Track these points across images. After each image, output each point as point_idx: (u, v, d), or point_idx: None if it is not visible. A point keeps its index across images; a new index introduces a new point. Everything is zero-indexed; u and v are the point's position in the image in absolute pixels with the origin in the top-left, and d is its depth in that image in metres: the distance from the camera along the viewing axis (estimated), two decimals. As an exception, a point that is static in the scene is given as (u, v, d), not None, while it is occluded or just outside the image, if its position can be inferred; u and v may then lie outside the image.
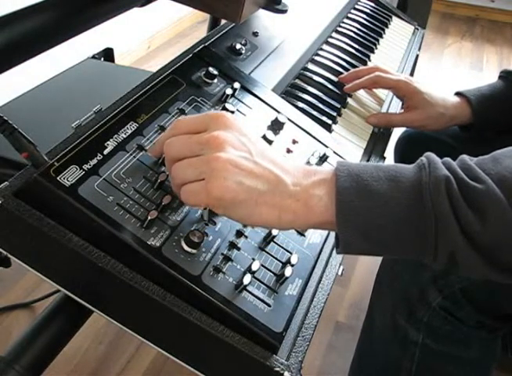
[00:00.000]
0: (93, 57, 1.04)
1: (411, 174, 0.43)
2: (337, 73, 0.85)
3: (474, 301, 0.64)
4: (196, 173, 0.44)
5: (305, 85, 0.79)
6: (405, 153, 1.01)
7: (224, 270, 0.47)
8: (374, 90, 0.88)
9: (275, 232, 0.51)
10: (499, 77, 0.85)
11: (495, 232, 0.40)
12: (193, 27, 2.69)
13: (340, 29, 0.99)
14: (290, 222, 0.44)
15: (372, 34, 1.04)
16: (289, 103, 0.71)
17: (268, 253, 0.51)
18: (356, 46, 0.96)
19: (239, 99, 0.64)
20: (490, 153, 0.44)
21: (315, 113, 0.74)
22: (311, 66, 0.84)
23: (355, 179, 0.43)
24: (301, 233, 0.55)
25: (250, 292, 0.47)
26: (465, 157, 0.44)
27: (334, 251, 0.57)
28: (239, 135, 0.45)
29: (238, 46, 0.73)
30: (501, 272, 0.41)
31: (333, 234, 0.56)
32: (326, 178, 0.44)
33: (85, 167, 0.47)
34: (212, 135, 0.44)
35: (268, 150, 0.46)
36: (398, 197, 0.41)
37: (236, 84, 0.64)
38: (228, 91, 0.62)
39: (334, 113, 0.77)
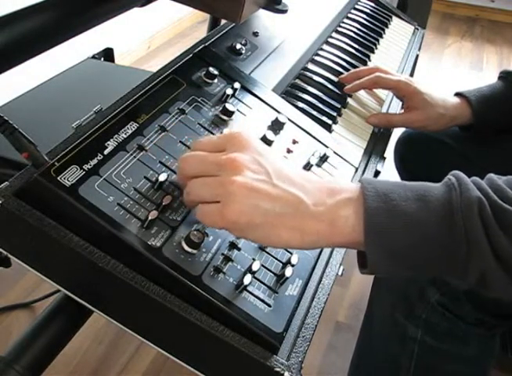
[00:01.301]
0: (93, 57, 1.04)
1: (440, 193, 0.42)
2: (337, 73, 0.85)
3: (473, 298, 0.64)
4: (212, 194, 0.44)
5: (305, 85, 0.79)
6: (405, 153, 1.01)
7: (224, 270, 0.47)
8: (374, 90, 0.88)
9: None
10: (499, 77, 0.85)
11: None
12: (193, 27, 2.69)
13: (340, 29, 0.99)
14: (312, 243, 0.44)
15: (372, 34, 1.04)
16: (289, 102, 0.71)
17: (268, 253, 0.51)
18: (356, 46, 0.96)
19: (239, 99, 0.64)
20: None
21: (315, 113, 0.74)
22: (311, 66, 0.84)
23: (383, 199, 0.42)
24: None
25: (250, 292, 0.47)
26: (493, 176, 0.44)
27: (334, 251, 0.57)
28: (257, 155, 0.45)
29: (238, 46, 0.73)
30: None
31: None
32: (352, 198, 0.44)
33: (86, 167, 0.47)
34: (229, 157, 0.44)
35: (287, 170, 0.45)
36: (428, 217, 0.41)
37: (237, 84, 0.64)
38: (229, 91, 0.62)
39: (334, 113, 0.77)
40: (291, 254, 0.51)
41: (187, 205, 0.48)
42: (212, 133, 0.58)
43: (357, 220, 0.42)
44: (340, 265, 0.57)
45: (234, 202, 0.42)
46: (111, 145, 0.50)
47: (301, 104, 0.75)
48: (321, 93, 0.79)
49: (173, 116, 0.56)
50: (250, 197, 0.42)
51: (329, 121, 0.75)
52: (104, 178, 0.47)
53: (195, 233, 0.46)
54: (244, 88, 0.66)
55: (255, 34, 0.80)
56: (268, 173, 0.44)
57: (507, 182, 0.43)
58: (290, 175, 0.45)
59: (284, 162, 0.47)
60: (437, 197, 0.42)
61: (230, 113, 0.60)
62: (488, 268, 0.40)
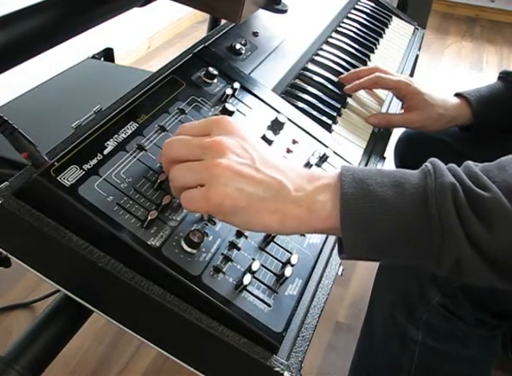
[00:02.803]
0: (93, 57, 1.04)
1: (416, 180, 0.42)
2: (337, 73, 0.85)
3: (473, 298, 0.64)
4: (197, 178, 0.43)
5: (305, 85, 0.79)
6: (405, 153, 1.01)
7: (224, 270, 0.47)
8: (374, 90, 0.88)
9: (275, 232, 0.51)
10: (499, 78, 0.85)
11: (502, 240, 0.40)
12: (193, 27, 2.69)
13: (340, 29, 0.99)
14: (293, 228, 0.44)
15: (372, 34, 1.04)
16: (289, 103, 0.71)
17: (268, 253, 0.51)
18: (356, 46, 0.96)
19: (239, 99, 0.64)
20: (496, 160, 0.44)
21: (315, 113, 0.74)
22: (311, 66, 0.84)
23: (360, 185, 0.42)
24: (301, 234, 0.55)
25: (250, 292, 0.47)
26: (470, 163, 0.44)
27: (334, 251, 0.57)
28: (242, 140, 0.45)
29: (238, 46, 0.73)
30: (508, 280, 0.41)
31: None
32: (330, 184, 0.44)
33: (85, 167, 0.47)
34: (214, 140, 0.44)
35: (270, 156, 0.46)
36: (403, 203, 0.41)
37: (236, 84, 0.64)
38: (228, 91, 0.62)
39: (334, 113, 0.77)
40: (291, 254, 0.51)
41: (174, 194, 0.47)
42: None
43: (334, 205, 0.43)
44: (340, 265, 0.57)
45: (219, 185, 0.42)
46: (111, 145, 0.50)
47: (300, 104, 0.75)
48: (321, 93, 0.79)
49: (173, 116, 0.56)
50: (234, 179, 0.42)
51: (329, 121, 0.75)
52: (104, 178, 0.47)
53: (195, 232, 0.46)
54: (244, 88, 0.66)
55: (255, 34, 0.80)
56: (252, 158, 0.44)
57: (483, 169, 0.43)
58: (273, 161, 0.45)
59: (268, 149, 0.47)
60: (412, 183, 0.42)
61: (230, 113, 0.60)
62: (463, 254, 0.40)
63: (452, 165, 0.44)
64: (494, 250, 0.40)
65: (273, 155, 0.46)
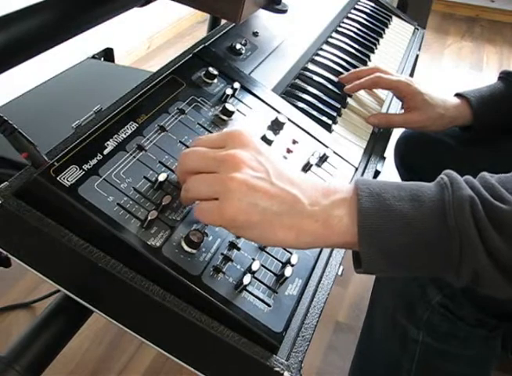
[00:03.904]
0: (93, 57, 1.04)
1: (433, 193, 0.42)
2: (337, 73, 0.85)
3: (474, 299, 0.64)
4: (211, 191, 0.44)
5: (305, 85, 0.79)
6: (406, 153, 1.01)
7: (224, 270, 0.47)
8: (374, 90, 0.88)
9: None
10: (499, 78, 0.85)
11: None
12: (193, 27, 2.69)
13: (340, 29, 0.99)
14: (309, 243, 0.44)
15: (372, 34, 1.04)
16: (289, 103, 0.71)
17: (268, 253, 0.51)
18: (356, 46, 0.96)
19: (239, 99, 0.64)
20: (511, 172, 0.44)
21: (315, 113, 0.74)
22: (311, 66, 0.84)
23: (377, 199, 0.42)
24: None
25: (250, 292, 0.47)
26: (486, 174, 0.44)
27: (334, 251, 0.57)
28: (257, 153, 0.45)
29: (238, 46, 0.73)
30: None
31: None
32: (346, 198, 0.44)
33: (85, 167, 0.47)
34: (229, 153, 0.44)
35: (285, 169, 0.45)
36: (421, 217, 0.41)
37: (236, 84, 0.64)
38: (229, 91, 0.62)
39: (334, 113, 0.77)
40: (291, 254, 0.51)
41: (184, 202, 0.48)
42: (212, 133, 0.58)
43: (350, 220, 0.43)
44: (340, 265, 0.57)
45: (233, 199, 0.42)
46: (111, 145, 0.50)
47: (300, 104, 0.75)
48: (321, 93, 0.79)
49: (172, 116, 0.56)
50: (248, 194, 0.42)
51: (329, 121, 0.75)
52: (104, 178, 0.47)
53: (194, 232, 0.46)
54: (244, 88, 0.66)
55: (255, 34, 0.80)
56: (267, 171, 0.44)
57: (499, 180, 0.43)
58: (289, 175, 0.45)
59: (283, 162, 0.47)
60: (429, 196, 0.42)
61: (230, 113, 0.60)
62: (481, 267, 0.40)
63: (469, 177, 0.43)
64: None
65: (288, 168, 0.46)
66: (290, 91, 0.76)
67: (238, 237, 0.50)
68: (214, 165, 0.44)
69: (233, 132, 0.46)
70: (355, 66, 0.90)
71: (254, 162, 0.44)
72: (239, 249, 0.49)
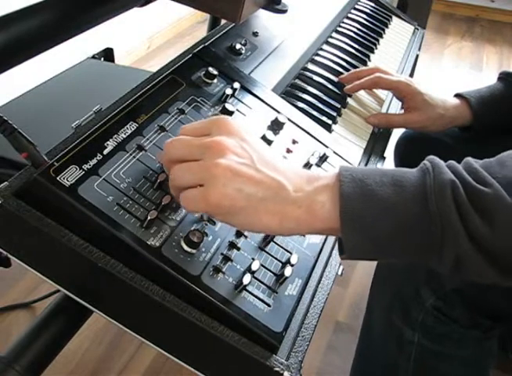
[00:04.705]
0: (93, 57, 1.04)
1: (415, 178, 0.42)
2: (337, 73, 0.85)
3: (467, 301, 0.64)
4: (196, 178, 0.43)
5: (305, 85, 0.79)
6: (405, 153, 1.01)
7: (224, 270, 0.47)
8: (374, 90, 0.88)
9: (275, 232, 0.51)
10: (498, 78, 0.85)
11: (503, 236, 0.39)
12: (193, 27, 2.69)
13: (340, 29, 0.99)
14: (292, 229, 0.44)
15: (372, 34, 1.04)
16: (289, 103, 0.71)
17: (267, 253, 0.51)
18: (356, 46, 0.97)
19: (239, 99, 0.64)
20: (496, 156, 0.44)
21: (315, 113, 0.74)
22: (311, 66, 0.84)
23: (359, 185, 0.42)
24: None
25: (249, 292, 0.47)
26: (470, 159, 0.44)
27: (334, 251, 0.57)
28: (241, 140, 0.45)
29: (238, 46, 0.73)
30: (507, 276, 0.41)
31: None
32: (329, 184, 0.44)
33: (85, 167, 0.47)
34: (214, 140, 0.44)
35: (270, 156, 0.46)
36: (403, 202, 0.41)
37: (236, 84, 0.64)
38: (228, 91, 0.62)
39: (334, 113, 0.77)
40: (291, 253, 0.51)
41: (173, 194, 0.47)
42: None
43: (333, 206, 0.43)
44: (340, 264, 0.57)
45: (218, 185, 0.42)
46: (110, 145, 0.50)
47: (300, 104, 0.75)
48: (321, 93, 0.79)
49: (172, 116, 0.56)
50: (233, 180, 0.42)
51: (329, 121, 0.75)
52: (103, 178, 0.47)
53: (194, 232, 0.46)
54: (244, 88, 0.66)
55: (255, 34, 0.80)
56: (251, 158, 0.44)
57: (483, 164, 0.43)
58: (273, 162, 0.45)
59: (268, 149, 0.47)
60: (411, 182, 0.42)
61: (230, 113, 0.60)
62: (463, 250, 0.40)
63: (452, 162, 0.43)
64: (494, 245, 0.40)
65: (273, 155, 0.46)
66: (289, 91, 0.76)
67: (238, 237, 0.50)
68: (198, 153, 0.44)
69: (218, 119, 0.46)
70: (355, 66, 0.90)
71: (239, 149, 0.44)
72: (238, 249, 0.49)
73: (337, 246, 0.57)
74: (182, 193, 0.45)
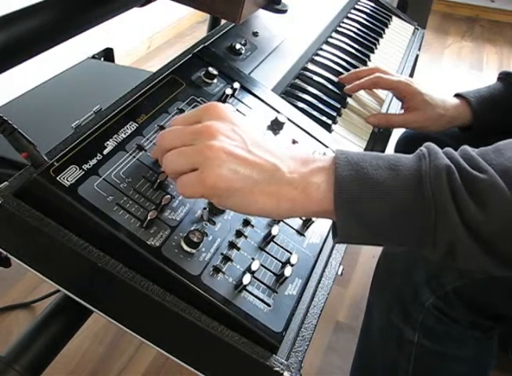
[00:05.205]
0: (93, 57, 1.04)
1: (410, 163, 0.42)
2: (337, 73, 0.85)
3: (467, 301, 0.64)
4: (189, 162, 0.43)
5: (305, 85, 0.79)
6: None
7: (223, 270, 0.47)
8: (374, 90, 0.88)
9: (274, 231, 0.51)
10: (498, 78, 0.85)
11: (497, 222, 0.39)
12: (193, 27, 2.69)
13: (340, 29, 0.99)
14: (288, 210, 0.44)
15: (372, 34, 1.04)
16: (289, 103, 0.71)
17: (267, 253, 0.51)
18: (356, 46, 0.97)
19: (238, 99, 0.64)
20: (493, 145, 0.44)
21: (315, 113, 0.74)
22: (311, 66, 0.84)
23: (354, 168, 0.42)
24: (301, 233, 0.55)
25: (249, 292, 0.47)
26: (467, 147, 0.44)
27: (334, 251, 0.57)
28: (232, 124, 0.45)
29: (238, 46, 0.73)
30: (500, 263, 0.41)
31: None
32: (324, 166, 0.44)
33: (85, 167, 0.47)
34: (205, 124, 0.44)
35: (262, 139, 0.46)
36: (398, 185, 0.41)
37: (236, 85, 0.64)
38: (228, 91, 0.62)
39: (334, 113, 0.77)
40: (291, 253, 0.51)
41: (172, 180, 0.47)
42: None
43: (328, 188, 0.42)
44: (340, 264, 0.57)
45: (213, 166, 0.42)
46: (110, 145, 0.50)
47: (300, 104, 0.75)
48: (321, 93, 0.79)
49: (172, 116, 0.56)
50: (228, 161, 0.42)
51: (329, 121, 0.75)
52: (103, 178, 0.47)
53: (194, 232, 0.46)
54: (244, 88, 0.66)
55: (255, 34, 0.80)
56: (243, 141, 0.44)
57: (480, 152, 0.43)
58: (266, 145, 0.45)
59: (259, 133, 0.47)
60: (407, 166, 0.42)
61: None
62: (457, 236, 0.40)
63: (449, 149, 0.43)
64: (488, 232, 0.39)
65: (265, 139, 0.46)
66: (289, 91, 0.76)
67: (238, 237, 0.50)
68: (190, 139, 0.44)
69: (207, 106, 0.46)
70: (355, 66, 0.90)
71: (231, 132, 0.44)
72: (238, 249, 0.49)
73: (336, 246, 0.58)
74: (178, 180, 0.44)
